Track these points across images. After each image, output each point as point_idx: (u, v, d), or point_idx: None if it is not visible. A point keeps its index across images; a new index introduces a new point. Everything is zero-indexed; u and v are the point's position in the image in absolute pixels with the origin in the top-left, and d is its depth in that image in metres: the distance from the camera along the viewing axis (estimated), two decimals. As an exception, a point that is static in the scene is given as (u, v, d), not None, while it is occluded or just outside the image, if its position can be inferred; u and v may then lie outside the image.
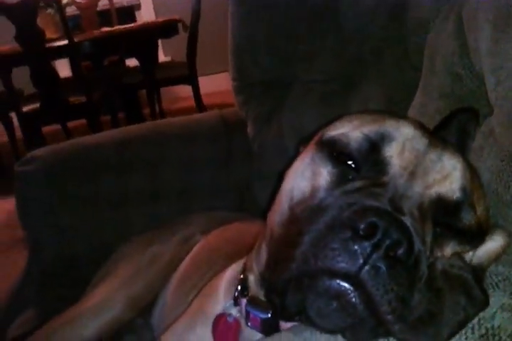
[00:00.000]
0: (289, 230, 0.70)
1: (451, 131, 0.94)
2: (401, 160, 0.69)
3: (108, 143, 1.74)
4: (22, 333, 1.43)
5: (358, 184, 0.67)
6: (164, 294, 1.37)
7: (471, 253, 0.68)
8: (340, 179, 0.70)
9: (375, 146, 0.70)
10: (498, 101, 0.81)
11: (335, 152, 0.73)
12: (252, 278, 0.91)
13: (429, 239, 0.63)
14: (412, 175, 0.68)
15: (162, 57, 5.88)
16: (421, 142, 0.71)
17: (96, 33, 4.46)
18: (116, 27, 4.74)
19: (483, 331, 0.60)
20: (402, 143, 0.70)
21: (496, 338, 0.59)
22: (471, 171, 0.72)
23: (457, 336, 0.60)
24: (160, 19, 4.94)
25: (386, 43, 1.30)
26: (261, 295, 0.87)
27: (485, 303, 0.62)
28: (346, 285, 0.59)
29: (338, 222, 0.61)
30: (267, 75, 1.64)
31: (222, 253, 1.28)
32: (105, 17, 5.24)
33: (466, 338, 0.59)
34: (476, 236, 0.68)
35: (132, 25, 4.80)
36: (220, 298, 0.98)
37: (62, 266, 1.67)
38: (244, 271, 0.94)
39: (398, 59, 1.28)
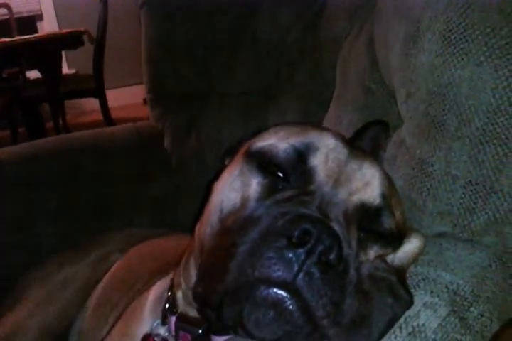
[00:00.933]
0: (221, 242, 0.69)
1: (365, 142, 1.00)
2: (325, 169, 0.71)
3: (13, 158, 1.63)
4: None
5: (287, 193, 0.69)
6: (81, 319, 1.29)
7: (392, 255, 0.72)
8: (271, 189, 0.71)
9: (301, 156, 0.72)
10: (409, 113, 0.87)
11: (264, 163, 0.74)
12: (180, 295, 0.89)
13: (354, 243, 0.66)
14: (336, 182, 0.70)
15: (66, 70, 5.63)
16: (342, 152, 0.74)
17: (-6, 42, 4.18)
18: (17, 37, 4.48)
19: (410, 329, 0.63)
20: (325, 153, 0.73)
21: (422, 335, 0.63)
22: (388, 179, 0.76)
23: (387, 335, 0.62)
24: (64, 30, 4.74)
25: (301, 57, 1.35)
26: (190, 312, 0.86)
27: (410, 302, 0.66)
28: (283, 293, 0.60)
29: (273, 231, 0.62)
30: (184, 87, 1.64)
31: (143, 271, 1.23)
32: (3, 27, 4.96)
33: (395, 337, 0.62)
34: (396, 239, 0.72)
35: (34, 35, 4.56)
36: (146, 318, 0.94)
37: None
38: (172, 287, 0.92)
39: (312, 73, 1.33)
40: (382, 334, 0.62)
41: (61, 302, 1.28)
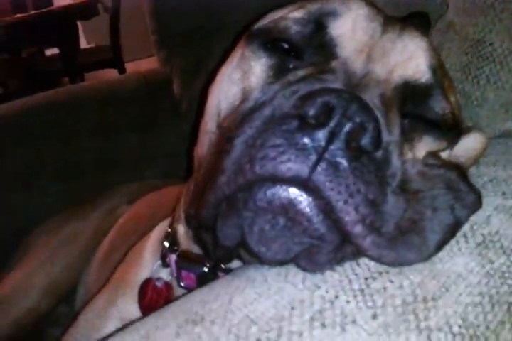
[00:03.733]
0: (217, 147, 0.53)
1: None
2: (353, 41, 0.53)
3: (13, 112, 1.50)
4: None
5: (301, 73, 0.51)
6: (87, 275, 1.17)
7: (447, 152, 0.53)
8: (279, 71, 0.54)
9: (319, 25, 0.54)
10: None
11: (270, 41, 0.56)
12: (181, 230, 0.73)
13: (397, 132, 0.47)
14: (369, 57, 0.52)
15: (85, 44, 5.52)
16: (376, 20, 0.56)
17: (9, 19, 4.08)
18: (32, 12, 4.37)
19: (480, 238, 0.45)
20: (352, 19, 0.55)
21: (497, 245, 0.45)
22: (438, 54, 0.57)
23: (448, 247, 0.45)
24: (77, 1, 4.61)
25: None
26: (194, 248, 0.70)
27: (477, 203, 0.48)
28: (296, 191, 0.42)
29: (280, 113, 0.44)
30: (190, 23, 1.46)
31: (152, 219, 1.08)
32: (19, 4, 4.85)
33: (459, 248, 0.45)
34: (452, 130, 0.54)
35: (48, 8, 4.44)
36: (147, 263, 0.80)
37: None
38: (172, 223, 0.77)
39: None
40: (441, 245, 0.44)
41: (66, 258, 1.16)
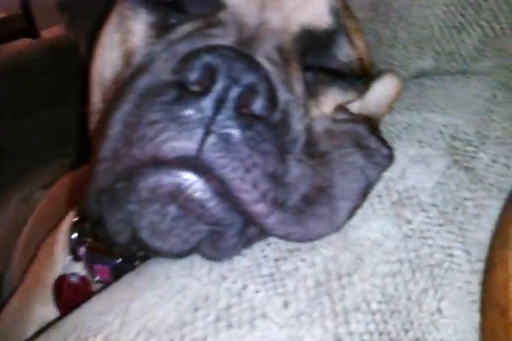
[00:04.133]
0: (97, 130, 0.45)
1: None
2: None
3: None
4: None
5: (184, 28, 0.43)
6: (11, 264, 1.09)
7: (357, 103, 0.48)
8: (161, 29, 0.46)
9: None
10: None
11: None
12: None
13: (299, 87, 0.41)
14: (262, 6, 0.45)
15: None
16: None
17: None
18: None
19: (395, 196, 0.41)
20: None
21: (414, 201, 0.41)
22: None
23: (361, 211, 0.40)
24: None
25: None
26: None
27: (389, 158, 0.43)
28: (184, 174, 0.36)
29: (156, 81, 0.37)
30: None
31: (70, 204, 1.00)
32: None
33: (373, 211, 0.40)
34: (360, 78, 0.48)
35: None
36: (59, 258, 0.72)
37: None
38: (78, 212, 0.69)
39: None
40: (353, 210, 0.40)
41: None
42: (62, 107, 1.40)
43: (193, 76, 0.36)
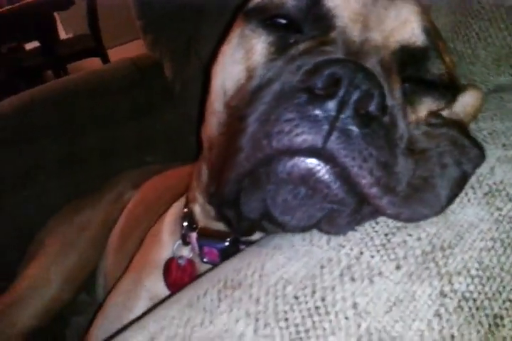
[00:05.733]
0: (228, 127, 0.55)
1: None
2: (348, 11, 0.55)
3: (8, 110, 1.50)
4: None
5: (302, 46, 0.53)
6: (103, 262, 1.20)
7: (447, 111, 0.56)
8: (280, 47, 0.56)
9: None
10: None
11: (267, 18, 0.58)
12: (197, 209, 0.76)
13: (399, 96, 0.50)
14: (365, 26, 0.54)
15: (63, 36, 5.44)
16: None
17: (-18, 15, 4.02)
18: (6, 7, 4.29)
19: (486, 188, 0.49)
20: None
21: (503, 193, 0.48)
22: (430, 17, 0.59)
23: (458, 199, 0.48)
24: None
25: None
26: (212, 226, 0.73)
27: (481, 156, 0.51)
28: (314, 161, 0.45)
29: (289, 87, 0.47)
30: (174, 3, 1.45)
31: (160, 202, 1.11)
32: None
33: (468, 200, 0.48)
34: (449, 89, 0.56)
35: (24, 2, 4.36)
36: (166, 243, 0.83)
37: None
38: (188, 204, 0.80)
39: None
40: (452, 198, 0.48)
41: (79, 248, 1.19)
42: (145, 120, 1.54)
43: (321, 83, 0.45)
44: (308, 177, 0.45)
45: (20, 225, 1.39)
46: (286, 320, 0.40)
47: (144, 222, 1.08)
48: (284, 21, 0.57)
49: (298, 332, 0.39)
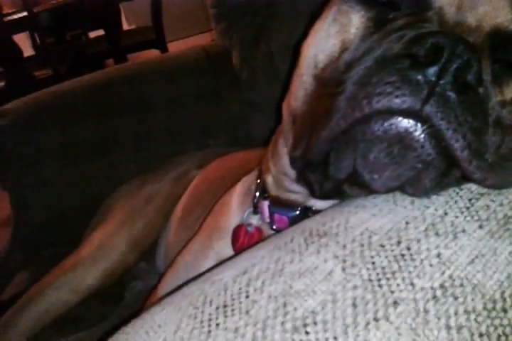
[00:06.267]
0: (319, 97, 0.59)
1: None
2: None
3: (83, 87, 1.60)
4: (14, 294, 1.31)
5: (400, 22, 0.56)
6: (165, 233, 1.27)
7: None
8: (379, 22, 0.59)
9: None
10: None
11: None
12: (270, 180, 0.81)
13: (489, 76, 0.53)
14: (460, 8, 0.57)
15: (126, 27, 5.63)
16: None
17: (53, 3, 4.22)
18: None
19: None
20: None
21: None
22: None
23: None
24: (120, -18, 4.69)
25: None
26: (283, 195, 0.77)
27: None
28: (411, 121, 0.48)
29: (391, 54, 0.50)
30: (249, -6, 1.50)
31: (224, 182, 1.16)
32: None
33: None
34: None
35: (90, -9, 4.54)
36: (235, 212, 0.88)
37: (51, 223, 1.54)
38: (260, 175, 0.84)
39: None
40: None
41: (145, 217, 1.26)
42: (211, 105, 1.60)
43: (424, 50, 0.48)
44: (403, 136, 0.49)
45: (89, 192, 1.48)
46: (373, 263, 0.43)
47: (207, 199, 1.14)
48: None
49: (384, 273, 0.42)
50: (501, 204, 0.47)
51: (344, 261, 0.44)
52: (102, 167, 1.53)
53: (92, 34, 5.00)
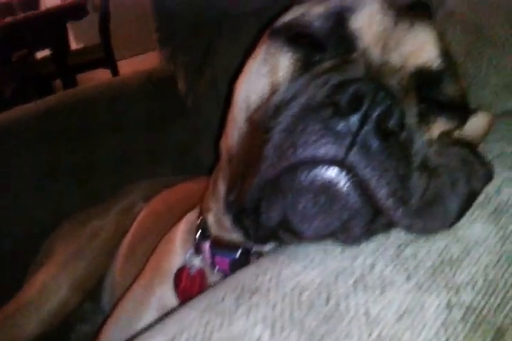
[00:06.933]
0: (251, 139, 0.58)
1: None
2: (370, 33, 0.58)
3: (27, 116, 1.54)
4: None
5: (326, 65, 0.56)
6: (111, 272, 1.22)
7: (458, 131, 0.59)
8: (305, 64, 0.59)
9: (339, 19, 0.59)
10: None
11: (293, 36, 0.62)
12: (211, 219, 0.79)
13: (415, 116, 0.53)
14: (385, 48, 0.58)
15: (74, 46, 5.53)
16: (389, 13, 0.61)
17: (-1, 23, 4.10)
18: (21, 15, 4.37)
19: (493, 207, 0.51)
20: (368, 14, 0.60)
21: (510, 212, 0.50)
22: (446, 42, 0.63)
23: (467, 215, 0.50)
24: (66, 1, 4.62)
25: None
26: (224, 235, 0.76)
27: (489, 176, 0.53)
28: (335, 172, 0.48)
29: (314, 102, 0.50)
30: (193, 17, 1.49)
31: (171, 214, 1.13)
32: (7, 8, 4.85)
33: (476, 217, 0.50)
34: (462, 111, 0.59)
35: (37, 11, 4.45)
36: (178, 251, 0.85)
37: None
38: (202, 214, 0.82)
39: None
40: (461, 214, 0.50)
41: (89, 257, 1.21)
42: (157, 131, 1.57)
43: (346, 98, 0.48)
44: (328, 186, 0.48)
45: (32, 228, 1.42)
46: (303, 325, 0.42)
47: (153, 234, 1.10)
48: (309, 40, 0.60)
49: (313, 336, 0.41)
50: (429, 252, 0.47)
51: (273, 324, 0.42)
52: (45, 200, 1.47)
53: (40, 54, 4.88)
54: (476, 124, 0.62)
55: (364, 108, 0.47)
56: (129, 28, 5.15)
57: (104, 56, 4.37)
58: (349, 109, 0.47)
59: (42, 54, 4.78)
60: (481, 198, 0.52)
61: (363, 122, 0.47)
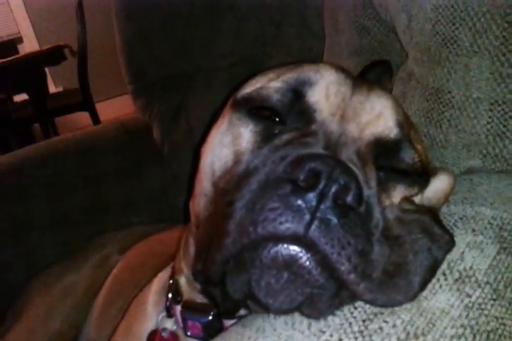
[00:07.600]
0: (215, 208, 0.58)
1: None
2: (328, 105, 0.60)
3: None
4: None
5: (286, 137, 0.57)
6: (87, 326, 1.19)
7: (419, 196, 0.60)
8: (265, 136, 0.60)
9: (297, 93, 0.61)
10: (414, 39, 0.75)
11: (254, 108, 0.63)
12: (183, 281, 0.78)
13: (374, 184, 0.54)
14: (342, 119, 0.59)
15: (53, 89, 5.55)
16: (345, 84, 0.63)
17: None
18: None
19: (457, 274, 0.51)
20: (325, 86, 0.62)
21: (473, 279, 0.51)
22: (402, 109, 0.65)
23: (430, 285, 0.51)
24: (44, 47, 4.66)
25: (284, 15, 1.24)
26: (197, 298, 0.75)
27: (451, 243, 0.54)
28: (296, 248, 0.48)
29: (273, 178, 0.50)
30: (166, 70, 1.52)
31: (146, 268, 1.12)
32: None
33: (440, 286, 0.51)
34: (421, 176, 0.61)
35: (15, 56, 4.47)
36: (150, 313, 0.84)
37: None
38: (173, 275, 0.81)
39: (298, 28, 1.22)
40: (424, 284, 0.50)
41: (63, 313, 1.18)
42: (133, 181, 1.57)
43: (302, 176, 0.49)
44: (290, 263, 0.48)
45: (6, 283, 1.38)
46: None
47: (128, 289, 1.08)
48: (269, 113, 0.62)
49: None
50: (394, 326, 0.47)
51: None
52: (18, 254, 1.44)
53: (18, 98, 4.89)
54: (437, 187, 0.63)
55: (321, 186, 0.48)
56: (107, 71, 5.20)
57: (83, 99, 4.39)
58: (306, 186, 0.48)
59: (20, 97, 4.78)
60: (444, 265, 0.53)
61: (320, 199, 0.48)
